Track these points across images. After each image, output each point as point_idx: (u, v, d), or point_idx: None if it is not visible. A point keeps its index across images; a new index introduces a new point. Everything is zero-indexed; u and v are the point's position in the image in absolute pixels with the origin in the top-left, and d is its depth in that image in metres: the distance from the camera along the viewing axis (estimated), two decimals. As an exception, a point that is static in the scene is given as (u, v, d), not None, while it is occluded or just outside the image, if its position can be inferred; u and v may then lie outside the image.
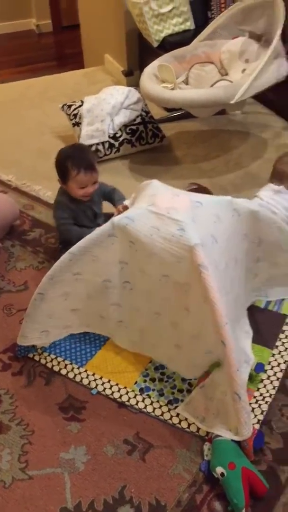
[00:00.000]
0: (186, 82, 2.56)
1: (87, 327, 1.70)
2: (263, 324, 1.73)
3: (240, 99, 2.17)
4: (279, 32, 2.21)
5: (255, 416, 1.46)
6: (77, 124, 2.67)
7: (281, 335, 1.71)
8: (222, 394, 1.41)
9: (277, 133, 2.83)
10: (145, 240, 1.45)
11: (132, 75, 3.34)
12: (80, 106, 2.70)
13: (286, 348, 1.67)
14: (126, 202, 1.76)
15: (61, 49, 4.75)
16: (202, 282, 1.36)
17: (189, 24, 2.84)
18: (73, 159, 1.77)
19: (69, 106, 2.75)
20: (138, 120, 2.66)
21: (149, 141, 2.68)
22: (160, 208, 1.47)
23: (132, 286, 1.57)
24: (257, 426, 1.43)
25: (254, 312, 1.76)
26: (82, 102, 2.72)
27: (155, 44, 2.84)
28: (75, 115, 2.70)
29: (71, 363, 1.64)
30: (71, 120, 2.72)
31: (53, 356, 1.67)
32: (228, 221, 1.54)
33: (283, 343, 1.69)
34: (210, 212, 1.51)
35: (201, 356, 1.51)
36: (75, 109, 2.72)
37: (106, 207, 2.00)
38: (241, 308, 1.70)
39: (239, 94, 2.16)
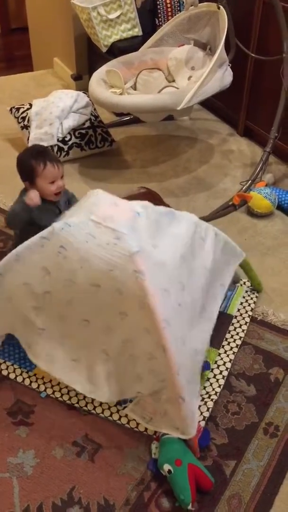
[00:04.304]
0: (134, 87, 2.59)
1: (11, 330, 1.62)
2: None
3: (186, 106, 2.22)
4: (223, 41, 2.27)
5: (201, 413, 1.50)
6: (26, 127, 2.66)
7: (227, 335, 1.77)
8: (168, 394, 1.43)
9: (223, 139, 2.92)
10: (78, 246, 1.43)
11: (81, 79, 3.35)
12: (28, 109, 2.69)
13: (232, 348, 1.73)
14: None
15: (9, 51, 4.69)
16: (138, 288, 1.35)
17: (137, 31, 2.88)
18: (36, 156, 1.73)
19: (18, 109, 2.73)
20: (87, 124, 2.68)
21: (98, 145, 2.70)
22: (98, 217, 1.47)
23: (52, 296, 1.50)
24: (202, 424, 1.47)
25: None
26: (30, 105, 2.70)
27: (104, 49, 2.86)
28: (23, 118, 2.68)
29: (20, 368, 1.64)
30: (20, 123, 2.70)
31: (1, 361, 1.65)
32: (174, 228, 1.56)
33: (229, 342, 1.74)
34: (152, 219, 1.51)
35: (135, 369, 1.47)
36: (23, 112, 2.70)
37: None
38: (201, 313, 1.61)
39: (185, 101, 2.21)
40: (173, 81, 2.63)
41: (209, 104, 3.05)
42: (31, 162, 1.71)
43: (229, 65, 2.44)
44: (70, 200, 1.88)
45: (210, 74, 2.27)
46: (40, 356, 1.57)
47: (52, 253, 1.45)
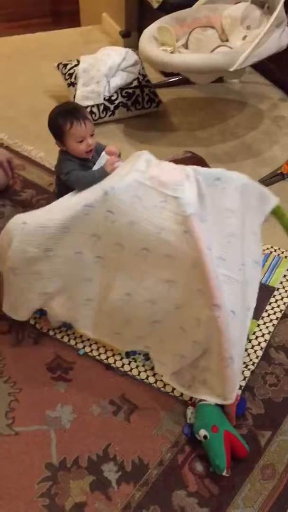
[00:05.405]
0: (185, 46, 2.50)
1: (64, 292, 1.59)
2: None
3: (239, 67, 2.13)
4: (283, -1, 2.16)
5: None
6: (72, 84, 2.61)
7: (268, 307, 1.74)
8: (207, 361, 1.42)
9: (274, 104, 2.81)
10: (125, 209, 1.42)
11: (129, 37, 3.25)
12: (76, 65, 2.64)
13: (271, 320, 1.70)
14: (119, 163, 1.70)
15: (56, 5, 4.58)
16: (191, 248, 1.35)
17: (191, -14, 2.76)
18: (64, 114, 1.69)
19: (65, 65, 2.69)
20: (135, 83, 2.61)
21: (145, 106, 2.64)
22: (144, 178, 1.45)
23: (104, 262, 1.50)
24: (239, 392, 1.47)
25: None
26: (78, 61, 2.65)
27: (155, 5, 2.76)
28: (70, 75, 2.64)
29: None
30: (66, 80, 2.66)
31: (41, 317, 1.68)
32: (218, 192, 1.51)
33: (269, 314, 1.72)
34: (203, 182, 1.49)
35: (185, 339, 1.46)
36: (70, 68, 2.65)
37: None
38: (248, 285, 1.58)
39: (239, 62, 2.12)
40: (227, 40, 2.52)
41: (261, 66, 2.92)
42: (58, 121, 1.66)
43: (287, 26, 2.32)
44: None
45: (267, 34, 2.17)
46: (87, 327, 1.59)
47: (100, 219, 1.44)
